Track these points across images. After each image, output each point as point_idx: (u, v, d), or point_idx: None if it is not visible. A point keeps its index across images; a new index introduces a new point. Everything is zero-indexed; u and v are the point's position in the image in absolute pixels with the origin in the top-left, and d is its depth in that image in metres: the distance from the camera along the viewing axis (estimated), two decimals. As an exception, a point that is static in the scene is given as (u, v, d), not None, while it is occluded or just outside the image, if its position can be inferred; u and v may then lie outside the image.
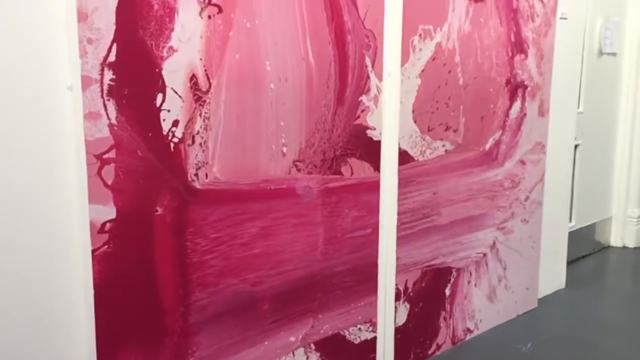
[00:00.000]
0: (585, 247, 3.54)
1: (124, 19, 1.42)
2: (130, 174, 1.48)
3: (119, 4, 1.41)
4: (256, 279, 1.79)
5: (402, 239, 2.17)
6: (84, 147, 1.39)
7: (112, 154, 1.44)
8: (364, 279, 2.08)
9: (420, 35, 2.11)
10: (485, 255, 2.53)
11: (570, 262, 3.17)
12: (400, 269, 2.19)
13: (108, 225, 1.45)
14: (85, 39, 1.37)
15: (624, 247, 3.71)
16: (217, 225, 1.67)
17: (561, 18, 2.66)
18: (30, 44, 1.33)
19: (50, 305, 1.43)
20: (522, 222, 2.67)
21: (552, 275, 2.97)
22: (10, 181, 1.34)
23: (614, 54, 3.45)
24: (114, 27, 1.40)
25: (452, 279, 2.41)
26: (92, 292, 1.45)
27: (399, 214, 2.14)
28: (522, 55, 2.50)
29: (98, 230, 1.44)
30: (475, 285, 2.51)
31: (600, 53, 3.36)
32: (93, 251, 1.44)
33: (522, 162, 2.61)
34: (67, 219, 1.42)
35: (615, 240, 3.72)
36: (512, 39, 2.45)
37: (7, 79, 1.31)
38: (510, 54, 2.45)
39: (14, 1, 1.30)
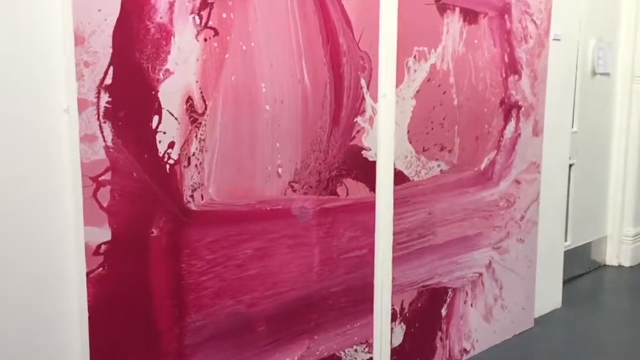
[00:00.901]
0: (581, 266, 3.54)
1: (120, 42, 1.43)
2: (125, 196, 1.48)
3: (115, 27, 1.42)
4: (251, 301, 1.78)
5: (398, 259, 2.17)
6: (79, 169, 1.40)
7: (107, 176, 1.44)
8: (360, 299, 2.08)
9: (415, 57, 2.12)
10: (481, 275, 2.53)
11: (566, 282, 3.17)
12: (396, 289, 2.18)
13: (103, 247, 1.45)
14: (82, 62, 1.38)
15: (620, 266, 3.71)
16: (213, 246, 1.67)
17: (554, 39, 2.69)
18: (27, 67, 1.34)
19: (45, 327, 1.42)
20: (518, 241, 2.68)
21: (548, 294, 2.97)
22: (5, 203, 1.34)
23: (607, 74, 3.48)
24: (110, 51, 1.42)
25: (448, 299, 2.40)
26: (86, 314, 1.45)
27: (394, 234, 2.14)
28: (516, 76, 2.53)
29: (93, 252, 1.44)
30: (472, 305, 2.50)
31: (594, 73, 3.39)
32: (88, 273, 1.44)
33: (517, 182, 2.62)
34: (62, 241, 1.41)
35: (610, 259, 3.73)
36: (506, 60, 2.47)
37: (3, 102, 1.31)
38: (504, 74, 2.47)
39: (11, 24, 1.31)
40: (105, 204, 1.45)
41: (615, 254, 3.71)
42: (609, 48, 3.44)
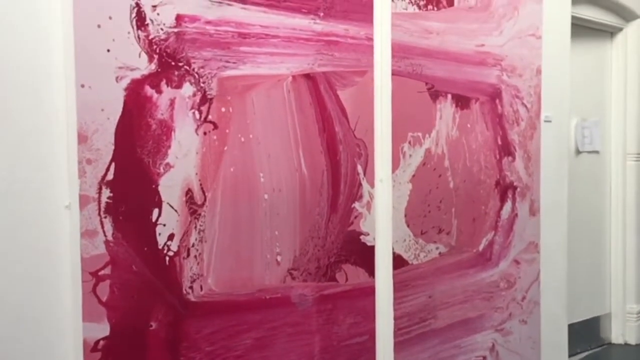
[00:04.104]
0: (586, 345, 3.48)
1: (122, 139, 1.47)
2: (125, 290, 1.48)
3: (118, 125, 1.46)
4: (251, 393, 1.75)
5: (400, 345, 2.14)
6: (79, 265, 1.40)
7: (107, 271, 1.45)
8: (362, 388, 2.04)
9: (409, 142, 2.17)
10: (485, 358, 2.49)
11: (572, 361, 3.11)
12: (399, 376, 2.14)
13: (101, 343, 1.44)
14: (85, 160, 1.41)
15: (626, 344, 3.64)
16: (212, 338, 1.66)
17: (545, 121, 2.76)
18: (30, 165, 1.37)
19: None
20: (521, 322, 2.64)
21: (555, 376, 2.91)
22: (4, 300, 1.34)
23: (596, 152, 3.52)
24: (112, 147, 1.45)
25: (452, 385, 2.35)
26: (83, 413, 1.42)
27: (395, 319, 2.12)
28: (510, 158, 2.57)
29: (91, 348, 1.42)
30: (476, 390, 2.45)
31: (578, 152, 3.41)
32: (85, 370, 1.42)
33: (517, 262, 2.62)
34: (60, 337, 1.40)
35: (616, 337, 3.66)
36: (499, 142, 2.52)
37: (6, 200, 1.34)
38: (498, 156, 2.52)
39: (17, 123, 1.35)
40: (104, 299, 1.44)
41: (621, 332, 3.65)
42: (595, 126, 3.50)
